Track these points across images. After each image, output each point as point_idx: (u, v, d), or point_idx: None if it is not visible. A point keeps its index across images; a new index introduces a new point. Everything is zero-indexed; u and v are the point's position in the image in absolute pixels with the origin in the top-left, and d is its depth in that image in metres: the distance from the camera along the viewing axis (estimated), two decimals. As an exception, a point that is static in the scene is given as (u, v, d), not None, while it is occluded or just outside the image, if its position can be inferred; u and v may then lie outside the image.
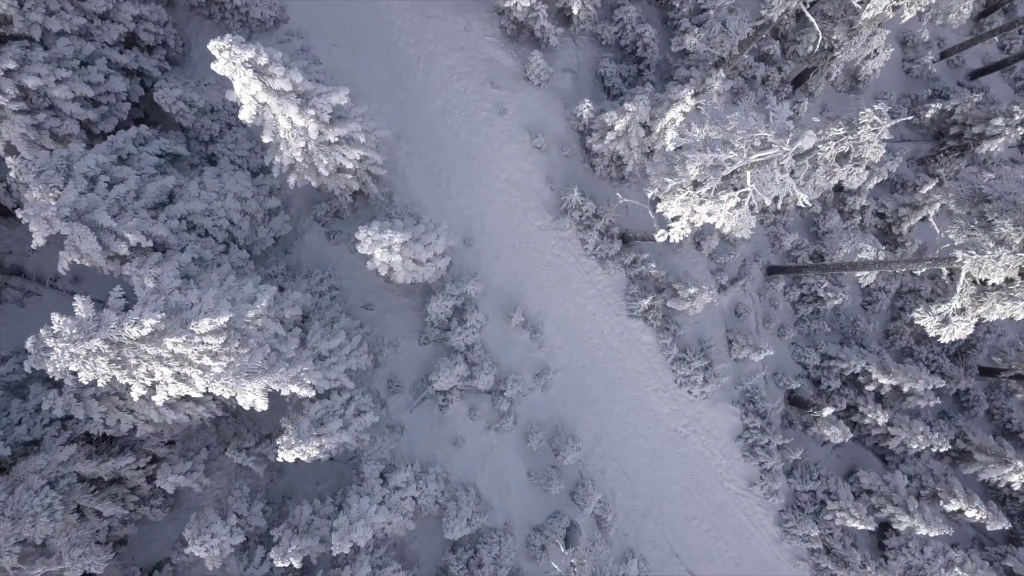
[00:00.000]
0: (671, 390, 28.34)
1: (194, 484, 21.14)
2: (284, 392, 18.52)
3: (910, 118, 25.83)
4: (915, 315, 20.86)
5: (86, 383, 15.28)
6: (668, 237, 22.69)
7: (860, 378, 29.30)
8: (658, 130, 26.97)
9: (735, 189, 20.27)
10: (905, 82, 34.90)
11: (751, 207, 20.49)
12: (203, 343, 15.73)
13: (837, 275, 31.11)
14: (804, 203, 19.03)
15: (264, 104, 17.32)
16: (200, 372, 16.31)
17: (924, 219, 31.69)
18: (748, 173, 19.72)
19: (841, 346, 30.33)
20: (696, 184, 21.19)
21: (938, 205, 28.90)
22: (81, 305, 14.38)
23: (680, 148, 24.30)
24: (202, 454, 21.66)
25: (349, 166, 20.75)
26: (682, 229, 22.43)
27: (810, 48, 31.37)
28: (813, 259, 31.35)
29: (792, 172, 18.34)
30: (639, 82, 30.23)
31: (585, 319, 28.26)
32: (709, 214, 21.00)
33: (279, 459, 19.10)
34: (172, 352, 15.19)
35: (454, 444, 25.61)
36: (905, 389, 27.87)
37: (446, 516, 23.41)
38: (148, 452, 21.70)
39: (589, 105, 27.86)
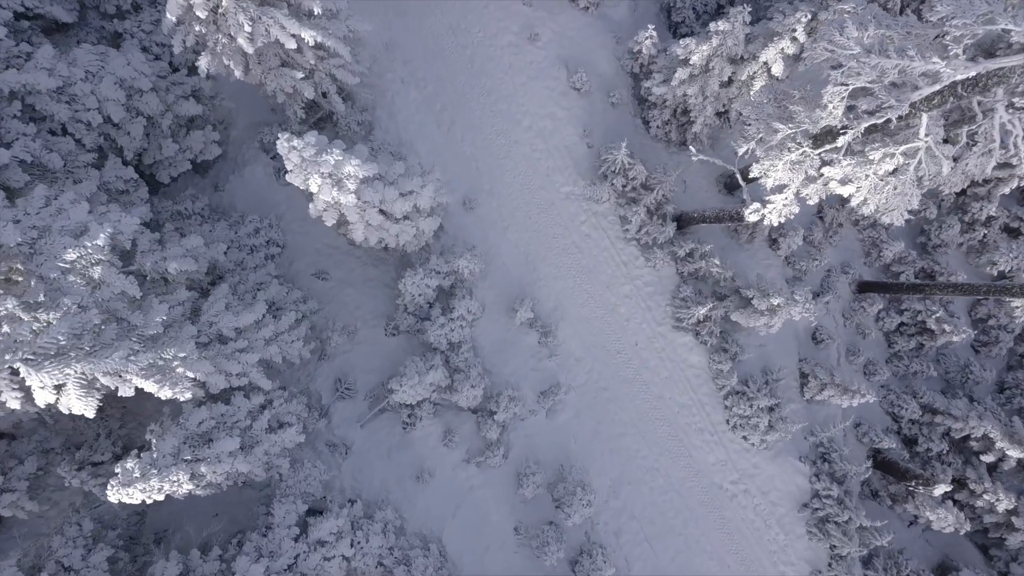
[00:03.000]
0: (721, 433, 20.33)
1: (6, 510, 13.44)
2: (125, 391, 10.73)
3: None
4: None
5: None
6: (763, 217, 14.74)
7: (972, 443, 21.19)
8: (744, 78, 18.94)
9: (894, 143, 12.24)
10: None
11: (919, 175, 12.46)
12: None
13: (947, 301, 22.96)
14: (1030, 172, 11.02)
15: None
16: (-70, 346, 8.57)
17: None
18: (925, 116, 11.69)
19: (946, 396, 22.22)
20: (825, 136, 13.23)
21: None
22: None
23: (780, 80, 16.38)
24: (28, 464, 13.94)
25: (292, 46, 12.86)
26: (787, 206, 14.46)
27: None
28: (919, 277, 23.23)
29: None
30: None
31: (615, 324, 20.30)
32: (844, 182, 12.99)
33: (109, 499, 11.29)
34: None
35: (418, 479, 17.76)
36: (1044, 468, 19.73)
37: (391, 588, 15.62)
38: (-48, 452, 14.02)
39: (653, 35, 19.85)
